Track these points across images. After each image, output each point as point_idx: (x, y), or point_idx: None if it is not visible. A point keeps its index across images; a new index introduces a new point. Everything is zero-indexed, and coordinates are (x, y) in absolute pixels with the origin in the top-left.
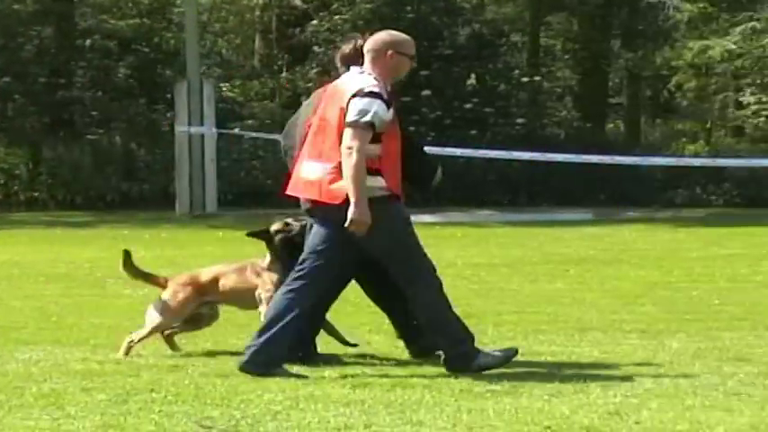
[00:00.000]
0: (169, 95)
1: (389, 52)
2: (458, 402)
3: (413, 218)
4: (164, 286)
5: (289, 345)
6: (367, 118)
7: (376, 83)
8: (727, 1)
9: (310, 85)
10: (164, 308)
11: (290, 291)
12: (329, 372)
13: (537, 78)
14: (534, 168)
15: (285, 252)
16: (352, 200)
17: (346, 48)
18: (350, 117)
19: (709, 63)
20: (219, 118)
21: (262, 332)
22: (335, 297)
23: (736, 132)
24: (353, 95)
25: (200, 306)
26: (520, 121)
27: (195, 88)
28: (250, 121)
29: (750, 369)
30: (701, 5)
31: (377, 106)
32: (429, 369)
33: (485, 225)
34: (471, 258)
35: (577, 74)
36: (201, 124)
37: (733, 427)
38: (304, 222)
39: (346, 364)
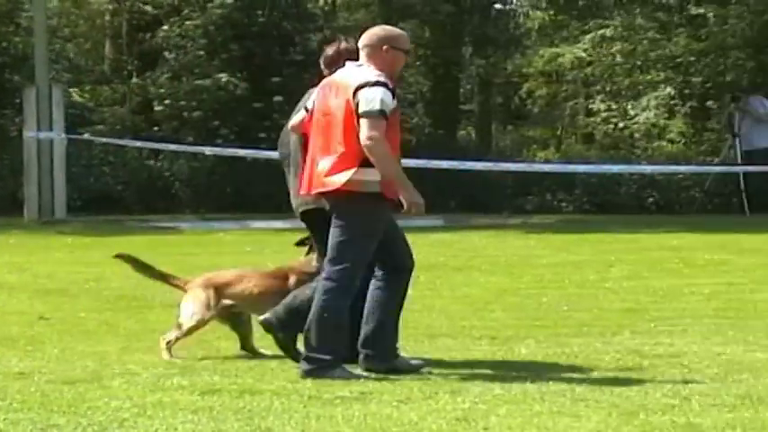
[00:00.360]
0: (18, 100)
1: (385, 47)
2: (306, 409)
3: (263, 224)
4: (183, 288)
5: (344, 344)
6: (379, 106)
7: (380, 73)
8: (577, 9)
9: (162, 90)
10: (194, 308)
11: (328, 291)
12: (177, 379)
13: None
14: None
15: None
16: (397, 185)
17: (329, 50)
18: (362, 108)
19: (559, 70)
20: (69, 123)
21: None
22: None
23: (587, 139)
24: (361, 86)
25: (227, 308)
26: None
27: (44, 93)
28: (100, 127)
29: (597, 375)
30: (552, 13)
31: (385, 95)
32: (278, 376)
33: None
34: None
35: (429, 80)
36: (50, 129)
37: None
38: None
39: (195, 371)
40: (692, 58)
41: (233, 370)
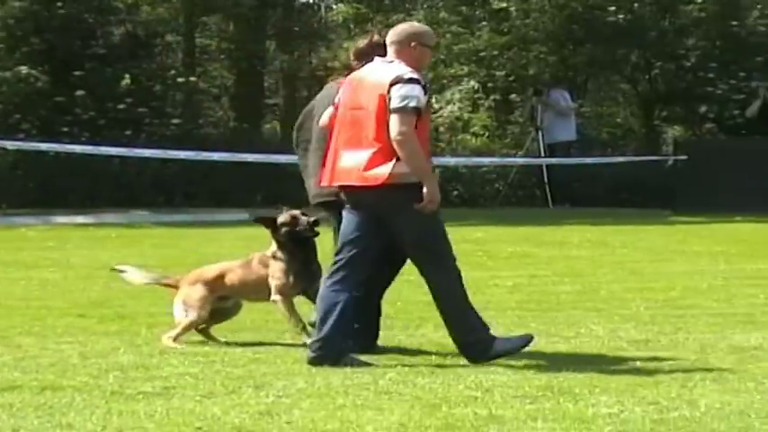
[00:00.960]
0: None
1: (413, 43)
2: (108, 404)
3: (66, 219)
4: (176, 286)
5: (347, 334)
6: (413, 103)
7: (411, 69)
8: (380, 4)
9: None
10: (187, 307)
11: (334, 282)
12: None
13: (192, 79)
14: (191, 169)
15: (291, 242)
16: (423, 181)
17: (361, 43)
18: (395, 103)
19: None
20: None
21: (320, 327)
22: (388, 282)
23: None
24: (395, 82)
25: (218, 301)
26: (175, 121)
27: None
28: None
29: (401, 368)
30: (356, 6)
31: (417, 91)
32: (80, 371)
33: (140, 226)
34: (126, 259)
35: (233, 74)
36: None
37: (383, 426)
38: (313, 219)
39: None
40: (495, 52)
41: (33, 366)
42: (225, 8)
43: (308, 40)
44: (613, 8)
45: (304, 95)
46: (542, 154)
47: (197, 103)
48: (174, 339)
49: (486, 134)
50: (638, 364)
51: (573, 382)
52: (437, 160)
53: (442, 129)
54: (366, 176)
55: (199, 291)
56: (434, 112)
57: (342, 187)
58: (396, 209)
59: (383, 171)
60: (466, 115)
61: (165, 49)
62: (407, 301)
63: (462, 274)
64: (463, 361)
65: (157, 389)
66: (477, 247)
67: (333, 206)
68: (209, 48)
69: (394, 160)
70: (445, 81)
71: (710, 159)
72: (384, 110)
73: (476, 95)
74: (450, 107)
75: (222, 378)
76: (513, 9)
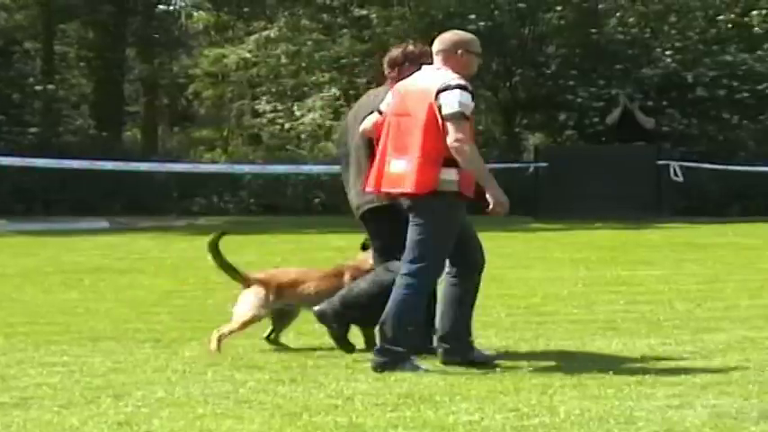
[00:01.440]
0: None
1: (459, 51)
2: None
3: None
4: (246, 283)
5: (417, 338)
6: (462, 109)
7: (458, 75)
8: (240, 11)
9: None
10: (251, 304)
11: (407, 286)
12: None
13: (51, 87)
14: (50, 177)
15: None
16: (485, 185)
17: (395, 51)
18: (446, 110)
19: (225, 71)
20: None
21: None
22: None
23: (253, 140)
24: (442, 89)
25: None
26: (33, 129)
27: None
28: None
29: (261, 376)
30: (217, 14)
31: (466, 97)
32: None
33: None
34: None
35: (93, 82)
36: None
37: None
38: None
39: None
40: (357, 59)
41: None
42: (83, 14)
43: (168, 48)
44: (473, 16)
45: (165, 103)
46: None
47: (56, 111)
48: (229, 334)
49: None
50: (499, 370)
51: (434, 389)
52: (299, 167)
53: (303, 136)
54: (415, 183)
55: (264, 292)
56: (296, 119)
57: (392, 194)
58: (420, 214)
59: (422, 178)
60: (327, 123)
61: (24, 57)
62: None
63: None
64: (324, 370)
65: (15, 399)
66: (338, 254)
67: (377, 212)
68: (68, 55)
69: (442, 167)
70: (306, 89)
71: (571, 166)
72: (432, 117)
73: (337, 103)
74: (311, 115)
75: (81, 388)
76: (374, 16)
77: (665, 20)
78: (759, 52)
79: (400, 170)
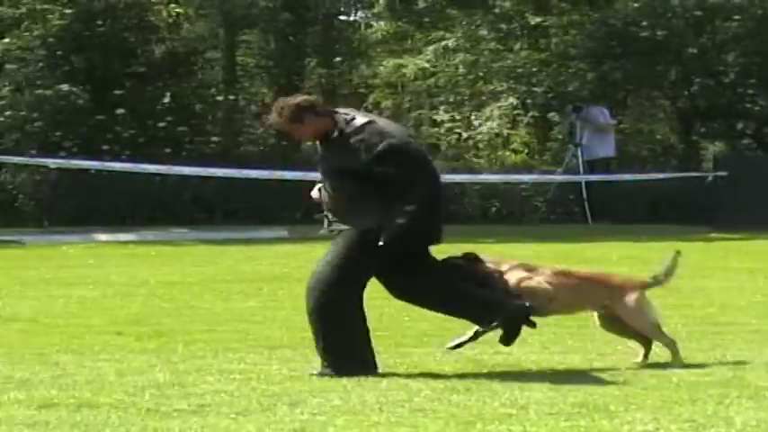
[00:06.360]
0: None
1: None
2: (144, 422)
3: (107, 237)
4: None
5: None
6: None
7: None
8: (420, 20)
9: (3, 102)
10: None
11: None
12: (14, 393)
13: (232, 97)
14: (230, 186)
15: None
16: None
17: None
18: None
19: (403, 81)
20: None
21: None
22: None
23: (431, 150)
24: None
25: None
26: (215, 139)
27: None
28: None
29: (436, 385)
30: (396, 24)
31: None
32: (116, 389)
33: (179, 243)
34: (164, 277)
35: (272, 92)
36: None
37: None
38: None
39: (32, 384)
40: (534, 69)
41: (71, 384)
42: (262, 24)
43: (347, 57)
44: (650, 24)
45: None
46: (581, 171)
47: (237, 121)
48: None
49: (526, 151)
50: (675, 380)
51: (608, 398)
52: (476, 177)
53: (481, 145)
54: None
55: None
56: (474, 129)
57: None
58: None
59: None
60: (505, 132)
61: (205, 67)
62: (444, 318)
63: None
64: (498, 378)
65: (193, 406)
66: None
67: None
68: (248, 65)
69: None
70: (484, 98)
71: (751, 175)
72: None
73: (515, 112)
74: (489, 124)
75: (258, 395)
76: (551, 25)
77: None
78: None
79: None
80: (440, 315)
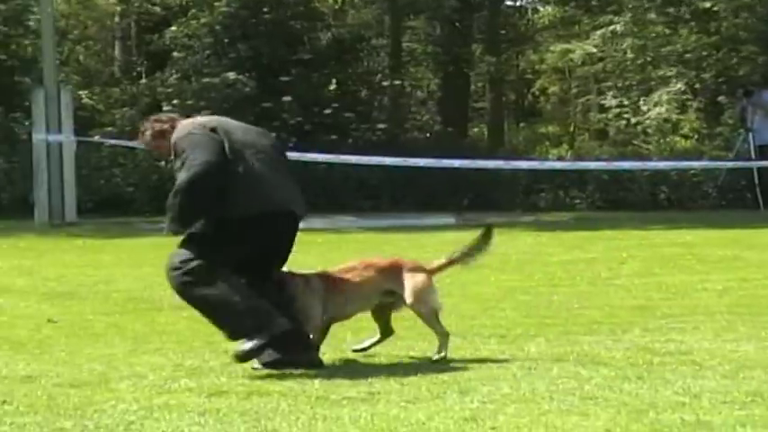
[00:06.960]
0: (27, 103)
1: None
2: (313, 410)
3: None
4: None
5: None
6: None
7: None
8: (587, 5)
9: (170, 90)
10: None
11: None
12: (185, 381)
13: (398, 83)
14: (396, 173)
15: None
16: None
17: None
18: None
19: (570, 67)
20: (79, 125)
21: None
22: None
23: (599, 135)
24: None
25: None
26: (381, 126)
27: (53, 96)
28: (110, 129)
29: (607, 373)
30: (563, 9)
31: None
32: (286, 377)
33: (345, 231)
34: (329, 264)
35: (439, 78)
36: (60, 132)
37: (588, 431)
38: None
39: (202, 372)
40: (704, 53)
41: (240, 371)
42: (428, 10)
43: (514, 43)
44: None
45: (511, 99)
46: (753, 156)
47: (403, 108)
48: None
49: (696, 136)
50: None
51: None
52: (644, 164)
53: (650, 131)
54: None
55: None
56: (642, 114)
57: None
58: None
59: None
60: (674, 117)
61: (371, 53)
62: (614, 306)
63: None
64: (670, 366)
65: (362, 394)
66: (686, 251)
67: None
68: (414, 51)
69: None
70: (653, 83)
71: None
72: None
73: (684, 97)
74: (657, 109)
75: (427, 383)
76: (721, 9)
77: None
78: None
79: None
80: (610, 302)
